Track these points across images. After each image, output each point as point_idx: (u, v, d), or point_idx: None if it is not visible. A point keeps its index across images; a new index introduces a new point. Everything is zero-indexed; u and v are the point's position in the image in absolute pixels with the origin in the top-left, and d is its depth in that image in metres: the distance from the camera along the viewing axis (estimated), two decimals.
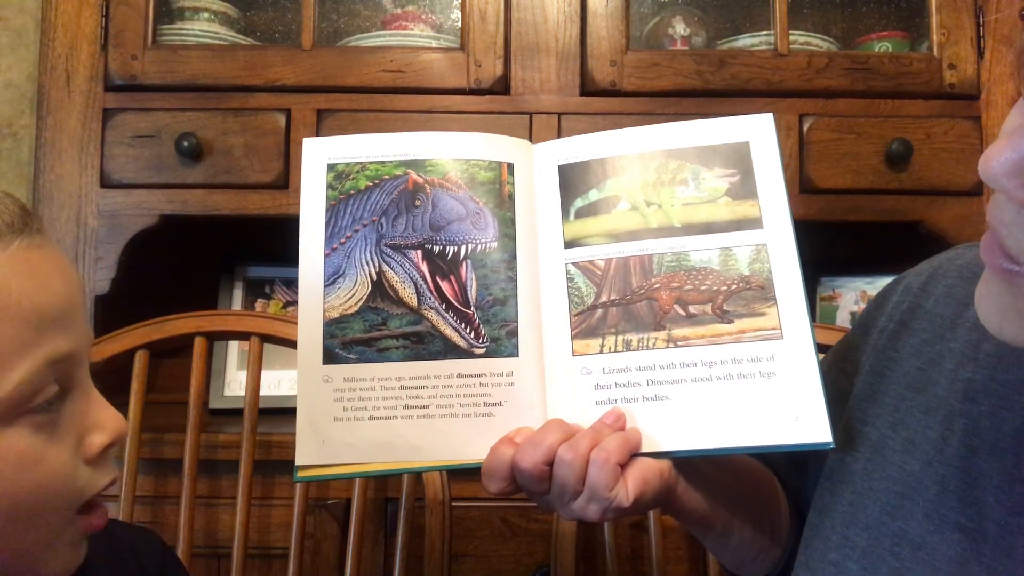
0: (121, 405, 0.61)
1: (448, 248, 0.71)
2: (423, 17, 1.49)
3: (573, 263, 0.72)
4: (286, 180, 1.37)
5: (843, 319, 1.58)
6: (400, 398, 0.69)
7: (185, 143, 1.34)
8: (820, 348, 0.69)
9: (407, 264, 0.71)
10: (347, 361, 0.69)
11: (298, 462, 0.68)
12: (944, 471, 0.60)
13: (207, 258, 1.60)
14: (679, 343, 0.68)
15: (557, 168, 0.75)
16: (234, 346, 1.51)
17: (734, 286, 0.69)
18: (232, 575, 1.07)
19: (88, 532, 0.57)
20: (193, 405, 1.11)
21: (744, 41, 1.47)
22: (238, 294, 1.57)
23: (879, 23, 1.55)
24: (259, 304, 1.57)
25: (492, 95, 1.39)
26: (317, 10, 1.42)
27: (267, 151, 1.37)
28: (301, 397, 0.69)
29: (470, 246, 0.71)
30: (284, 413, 1.29)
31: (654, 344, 0.68)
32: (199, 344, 1.12)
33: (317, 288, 0.71)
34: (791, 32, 1.42)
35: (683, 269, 0.70)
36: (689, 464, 0.68)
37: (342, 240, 0.72)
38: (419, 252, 0.71)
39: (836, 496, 0.67)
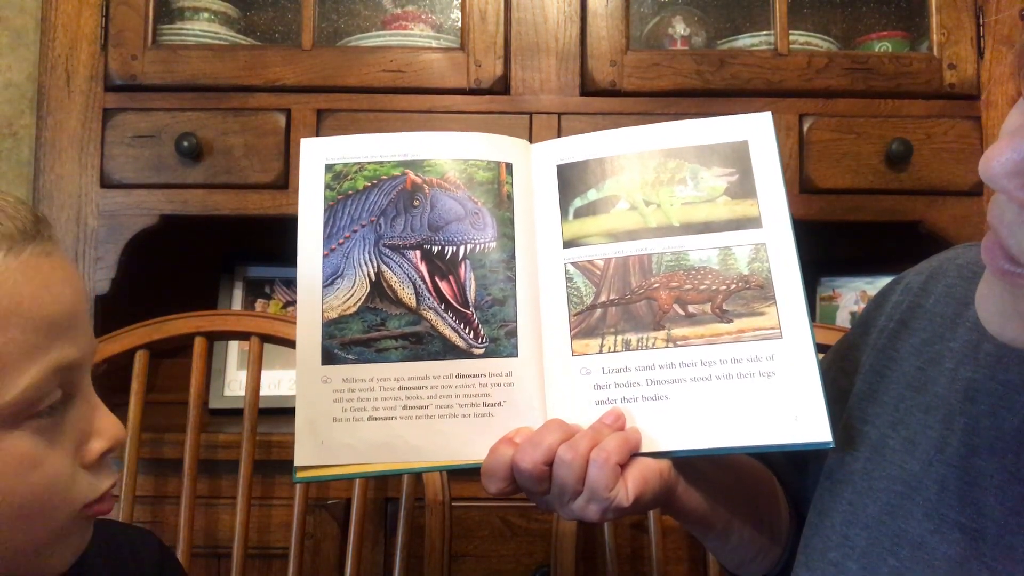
0: (121, 405, 0.61)
1: (447, 248, 0.71)
2: (423, 17, 1.49)
3: (572, 263, 0.72)
4: (286, 180, 1.37)
5: (843, 319, 1.58)
6: (399, 398, 0.69)
7: (185, 143, 1.34)
8: (820, 348, 0.69)
9: (406, 264, 0.71)
10: (346, 362, 0.69)
11: (297, 463, 0.68)
12: (944, 471, 0.60)
13: (207, 258, 1.60)
14: (678, 343, 0.68)
15: (556, 168, 0.75)
16: (234, 346, 1.51)
17: (733, 285, 0.69)
18: (232, 575, 1.07)
19: (93, 517, 0.58)
20: (193, 405, 1.11)
21: (744, 41, 1.47)
22: (238, 294, 1.57)
23: (879, 23, 1.55)
24: (259, 304, 1.57)
25: (492, 95, 1.39)
26: (317, 10, 1.42)
27: (267, 151, 1.37)
28: (300, 398, 0.69)
29: (469, 246, 0.71)
30: (284, 413, 1.29)
31: (653, 344, 0.68)
32: (199, 344, 1.12)
33: (316, 288, 0.71)
34: (791, 32, 1.42)
35: (682, 269, 0.70)
36: (689, 464, 0.68)
37: (340, 240, 0.72)
38: (418, 252, 0.71)
39: (836, 496, 0.67)
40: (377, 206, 0.72)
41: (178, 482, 1.09)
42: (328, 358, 0.70)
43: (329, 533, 1.22)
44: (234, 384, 1.49)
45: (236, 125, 1.37)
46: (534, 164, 0.75)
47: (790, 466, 0.79)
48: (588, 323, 0.70)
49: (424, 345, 0.70)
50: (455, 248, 0.71)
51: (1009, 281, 0.45)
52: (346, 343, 0.70)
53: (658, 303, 0.69)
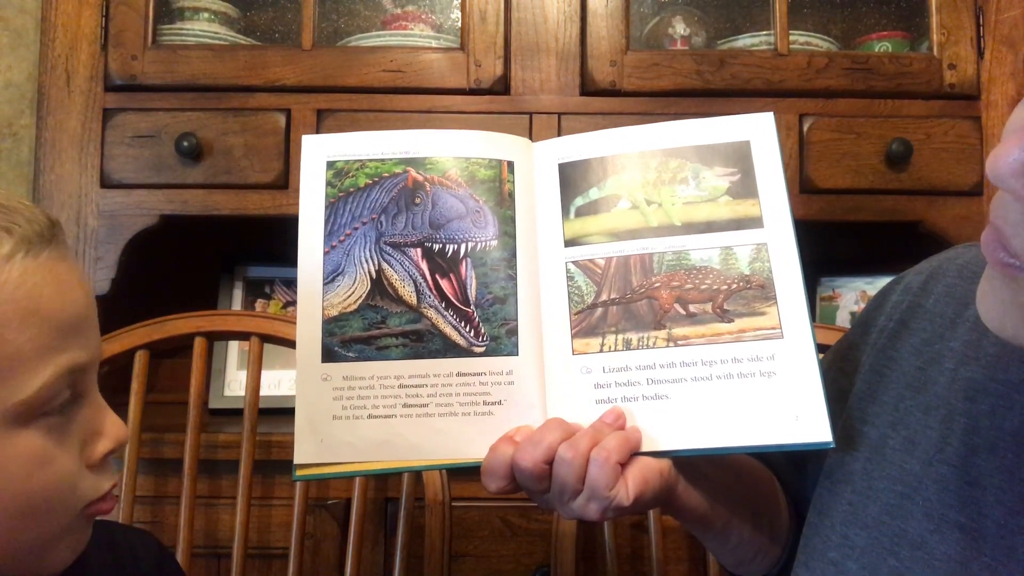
0: (121, 405, 0.62)
1: (448, 246, 0.71)
2: (423, 17, 1.49)
3: (573, 261, 0.72)
4: (286, 180, 1.37)
5: (843, 319, 1.58)
6: (399, 397, 0.69)
7: (185, 143, 1.34)
8: (820, 348, 0.69)
9: (407, 262, 0.71)
10: (346, 359, 0.69)
11: (297, 461, 0.68)
12: (944, 470, 0.60)
13: (207, 258, 1.60)
14: (679, 342, 0.68)
15: (557, 166, 0.75)
16: (234, 346, 1.51)
17: (734, 285, 0.69)
18: (232, 575, 1.07)
19: (95, 515, 0.59)
20: (193, 405, 1.11)
21: (744, 41, 1.47)
22: (238, 294, 1.57)
23: (879, 23, 1.55)
24: (259, 304, 1.57)
25: (492, 95, 1.39)
26: (317, 10, 1.42)
27: (267, 151, 1.37)
28: (300, 396, 0.69)
29: (470, 244, 0.71)
30: (284, 413, 1.28)
31: (654, 343, 0.68)
32: (199, 344, 1.12)
33: (316, 286, 0.71)
34: (791, 32, 1.42)
35: (683, 268, 0.70)
36: (689, 463, 0.68)
37: (341, 238, 0.72)
38: (419, 250, 0.71)
39: (836, 495, 0.67)
40: (378, 203, 0.72)
41: (178, 482, 1.09)
42: (328, 356, 0.70)
43: (329, 533, 1.22)
44: (234, 384, 1.49)
45: (236, 125, 1.37)
46: (536, 162, 0.75)
47: (790, 466, 0.79)
48: (589, 322, 0.70)
49: (424, 343, 0.70)
50: (456, 246, 0.71)
51: (1008, 274, 0.45)
52: (346, 341, 0.70)
53: (659, 302, 0.69)
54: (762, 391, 0.66)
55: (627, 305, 0.70)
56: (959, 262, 0.70)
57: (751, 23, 1.53)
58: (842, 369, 0.74)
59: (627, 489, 0.63)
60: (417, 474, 1.10)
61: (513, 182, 0.73)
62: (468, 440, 0.68)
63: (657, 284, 0.70)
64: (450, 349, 0.69)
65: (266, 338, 1.14)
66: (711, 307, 0.69)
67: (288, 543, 1.08)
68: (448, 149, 0.73)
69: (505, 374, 0.69)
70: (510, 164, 0.74)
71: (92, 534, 0.60)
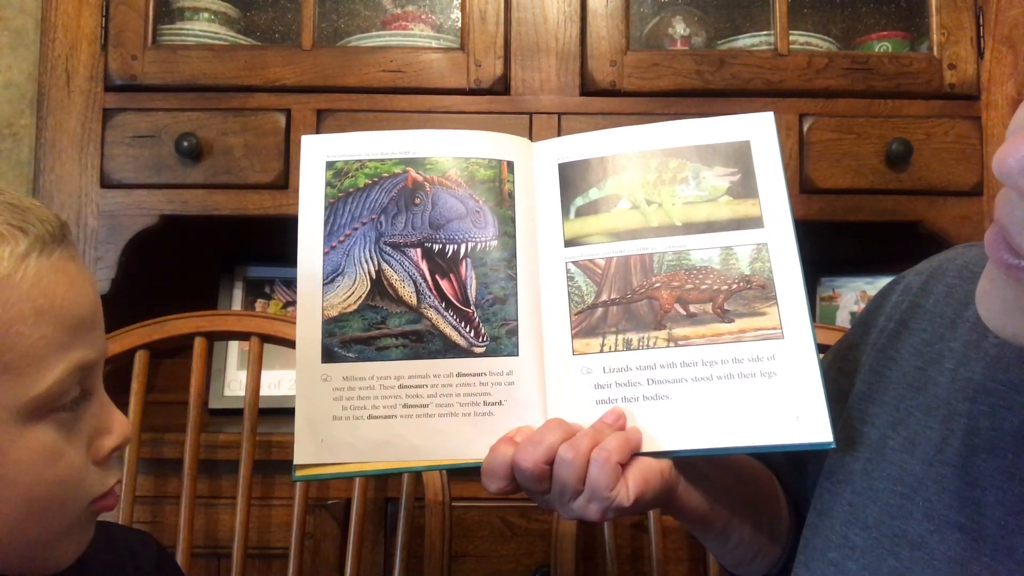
0: (121, 405, 0.62)
1: (448, 246, 0.71)
2: (423, 17, 1.49)
3: (573, 262, 0.72)
4: (286, 180, 1.37)
5: (843, 319, 1.58)
6: (399, 397, 0.69)
7: (185, 143, 1.34)
8: (820, 348, 0.69)
9: (406, 262, 0.71)
10: (346, 360, 0.69)
11: (297, 461, 0.68)
12: (944, 471, 0.60)
13: (207, 258, 1.60)
14: (679, 342, 0.68)
15: (557, 166, 0.74)
16: (234, 346, 1.51)
17: (735, 285, 0.69)
18: (232, 575, 1.07)
19: (99, 512, 0.60)
20: (193, 405, 1.11)
21: (744, 41, 1.47)
22: (238, 294, 1.57)
23: (879, 23, 1.55)
24: (259, 304, 1.57)
25: (492, 95, 1.39)
26: (317, 10, 1.42)
27: (267, 151, 1.37)
28: (300, 396, 0.69)
29: (470, 244, 0.71)
30: (284, 413, 1.28)
31: (654, 343, 0.68)
32: (199, 344, 1.12)
33: (316, 286, 0.71)
34: (791, 32, 1.42)
35: (684, 268, 0.70)
36: (689, 463, 0.68)
37: (341, 238, 0.72)
38: (418, 250, 0.71)
39: (836, 496, 0.67)
40: (378, 204, 0.72)
41: (178, 482, 1.09)
42: (328, 356, 0.70)
43: (329, 533, 1.22)
44: (234, 384, 1.49)
45: (236, 125, 1.37)
46: (536, 162, 0.75)
47: (790, 466, 0.79)
48: (589, 322, 0.70)
49: (424, 343, 0.70)
50: (456, 246, 0.71)
51: (1012, 275, 0.45)
52: (346, 341, 0.70)
53: (659, 302, 0.69)
54: (762, 391, 0.66)
55: (627, 305, 0.70)
56: (959, 262, 0.70)
57: (751, 23, 1.53)
58: (842, 369, 0.74)
59: (627, 490, 0.63)
60: (417, 474, 1.10)
61: (513, 182, 0.73)
62: (468, 440, 0.68)
63: (657, 284, 0.70)
64: (450, 349, 0.69)
65: (266, 338, 1.14)
66: (711, 307, 0.69)
67: (288, 543, 1.08)
68: (448, 149, 0.73)
69: (505, 374, 0.69)
70: (510, 164, 0.74)
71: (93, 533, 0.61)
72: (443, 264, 0.71)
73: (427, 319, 0.70)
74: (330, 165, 0.73)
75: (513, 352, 0.69)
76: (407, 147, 0.73)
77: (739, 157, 0.72)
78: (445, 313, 0.70)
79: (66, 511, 0.57)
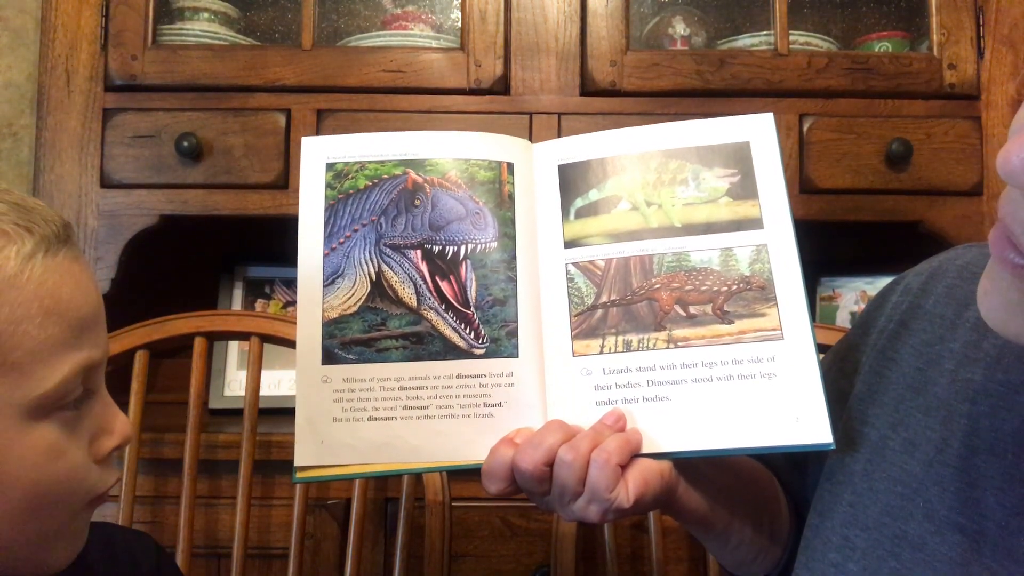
0: (121, 405, 0.62)
1: (448, 248, 0.71)
2: (423, 17, 1.49)
3: (573, 263, 0.72)
4: (286, 180, 1.37)
5: (843, 319, 1.58)
6: (400, 399, 0.69)
7: (185, 143, 1.34)
8: (820, 348, 0.69)
9: (406, 264, 0.71)
10: (346, 361, 0.69)
11: (297, 463, 0.68)
12: (944, 472, 0.60)
13: (207, 258, 1.60)
14: (679, 344, 0.68)
15: (557, 168, 0.74)
16: (234, 346, 1.51)
17: (735, 286, 0.69)
18: (232, 575, 1.07)
19: (94, 507, 0.60)
20: (193, 405, 1.11)
21: (744, 41, 1.47)
22: (238, 294, 1.57)
23: (879, 23, 1.55)
24: (259, 304, 1.57)
25: (492, 95, 1.39)
26: (317, 10, 1.42)
27: (267, 151, 1.37)
28: (300, 397, 0.69)
29: (470, 246, 0.71)
30: (284, 413, 1.28)
31: (654, 345, 0.68)
32: (199, 344, 1.12)
33: (316, 288, 0.71)
34: (791, 32, 1.42)
35: (683, 269, 0.70)
36: (689, 464, 0.68)
37: (341, 240, 0.72)
38: (418, 252, 0.71)
39: (836, 497, 0.67)
40: (378, 205, 0.72)
41: (178, 482, 1.09)
42: (328, 358, 0.70)
43: (329, 533, 1.22)
44: (234, 384, 1.49)
45: (236, 125, 1.37)
46: (535, 164, 0.75)
47: (790, 466, 0.79)
48: (589, 323, 0.70)
49: (425, 345, 0.70)
50: (456, 248, 0.71)
51: (1017, 274, 0.44)
52: (346, 343, 0.70)
53: (659, 304, 0.69)
54: (762, 392, 0.66)
55: (627, 307, 0.70)
56: (959, 263, 0.70)
57: (751, 23, 1.53)
58: (842, 370, 0.74)
59: (627, 491, 0.63)
60: (417, 475, 1.10)
61: (513, 183, 0.73)
62: (468, 442, 0.68)
63: (657, 285, 0.70)
64: (450, 351, 0.69)
65: (266, 338, 1.14)
66: (711, 308, 0.69)
67: (288, 543, 1.08)
68: (448, 150, 0.73)
69: (505, 376, 0.69)
70: (510, 165, 0.74)
71: (90, 536, 0.61)
72: (443, 266, 0.71)
73: (427, 321, 0.70)
74: (330, 167, 0.73)
75: (513, 354, 0.69)
76: (407, 149, 0.73)
77: (739, 158, 0.72)
78: (445, 315, 0.70)
79: (66, 509, 0.57)
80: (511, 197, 0.73)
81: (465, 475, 1.16)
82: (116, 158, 1.37)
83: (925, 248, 0.83)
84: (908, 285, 0.72)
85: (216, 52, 1.39)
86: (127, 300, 1.34)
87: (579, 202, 0.73)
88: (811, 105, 1.39)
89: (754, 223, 0.70)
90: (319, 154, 0.74)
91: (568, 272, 0.72)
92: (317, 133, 1.37)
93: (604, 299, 0.70)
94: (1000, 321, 0.48)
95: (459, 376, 0.69)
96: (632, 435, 0.65)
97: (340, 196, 0.72)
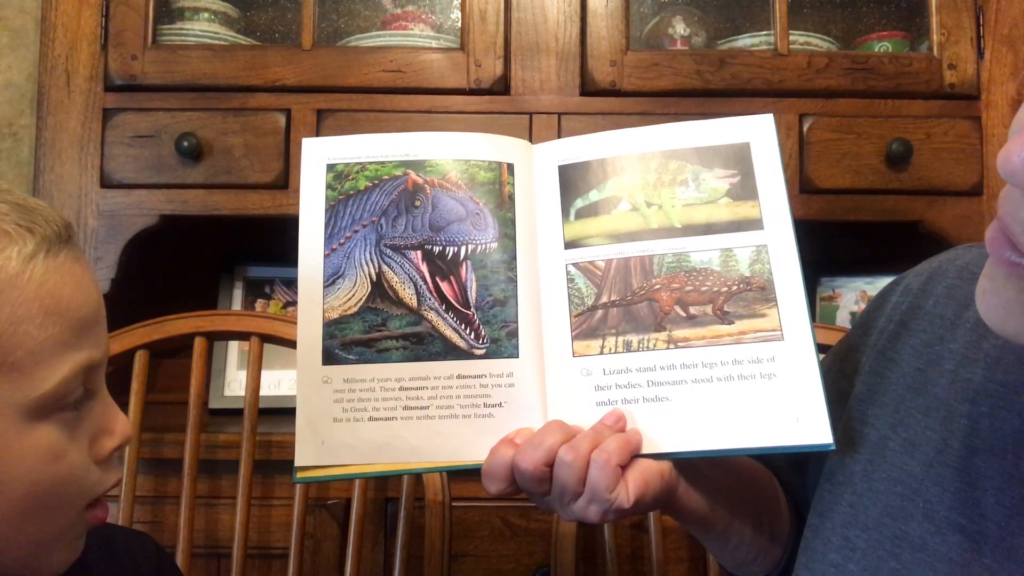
0: (121, 405, 0.62)
1: (448, 249, 0.71)
2: (423, 17, 1.49)
3: (573, 264, 0.72)
4: (286, 180, 1.37)
5: (843, 319, 1.58)
6: (400, 399, 0.69)
7: (185, 143, 1.34)
8: (820, 348, 0.69)
9: (407, 265, 0.71)
10: (347, 362, 0.69)
11: (297, 463, 0.68)
12: (944, 472, 0.60)
13: (207, 258, 1.60)
14: (679, 344, 0.68)
15: (557, 168, 0.74)
16: (234, 346, 1.51)
17: (735, 287, 0.69)
18: (232, 575, 1.07)
19: (92, 524, 0.60)
20: (193, 405, 1.11)
21: (744, 41, 1.47)
22: (238, 294, 1.57)
23: (879, 23, 1.55)
24: (259, 304, 1.57)
25: (492, 95, 1.39)
26: (317, 10, 1.42)
27: (267, 151, 1.37)
28: (300, 398, 0.69)
29: (470, 247, 0.71)
30: (284, 413, 1.29)
31: (654, 345, 0.68)
32: (199, 344, 1.12)
33: (316, 289, 0.71)
34: (791, 32, 1.42)
35: (684, 270, 0.70)
36: (689, 465, 0.68)
37: (341, 240, 0.72)
38: (419, 253, 0.71)
39: (836, 497, 0.67)
40: (378, 206, 0.72)
41: (178, 482, 1.09)
42: (329, 358, 0.70)
43: (329, 533, 1.22)
44: (234, 384, 1.49)
45: (236, 125, 1.37)
46: (536, 165, 0.75)
47: (790, 467, 0.79)
48: (589, 324, 0.70)
49: (425, 345, 0.70)
50: (456, 248, 0.71)
51: (1014, 272, 0.44)
52: (347, 343, 0.70)
53: (659, 304, 0.69)
54: (762, 393, 0.66)
55: (627, 307, 0.70)
56: (959, 263, 0.70)
57: (751, 23, 1.53)
58: (842, 371, 0.74)
59: (627, 491, 0.63)
60: (417, 475, 1.10)
61: (513, 184, 0.73)
62: (468, 442, 0.68)
63: (657, 286, 0.70)
64: (450, 351, 0.69)
65: (266, 338, 1.14)
66: (711, 309, 0.69)
67: (288, 543, 1.08)
68: (448, 151, 0.73)
69: (505, 376, 0.69)
70: (510, 166, 0.74)
71: (90, 536, 0.61)
72: (443, 266, 0.71)
73: (427, 321, 0.70)
74: (330, 167, 0.73)
75: (513, 354, 0.69)
76: (407, 149, 0.73)
77: (739, 159, 0.72)
78: (445, 315, 0.70)
79: (65, 510, 0.57)
80: (511, 198, 0.73)
81: (465, 475, 1.16)
82: (116, 158, 1.37)
83: (925, 248, 0.83)
84: (908, 286, 0.72)
85: (216, 52, 1.39)
86: (127, 300, 1.34)
87: (579, 203, 0.73)
88: (811, 105, 1.40)
89: (754, 224, 0.70)
90: (320, 155, 0.74)
91: (568, 273, 0.72)
92: (317, 133, 1.37)
93: (604, 299, 0.70)
94: (999, 320, 0.48)
95: (459, 376, 0.69)
96: (632, 435, 0.65)
97: (341, 197, 0.72)
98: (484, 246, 0.71)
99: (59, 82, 1.38)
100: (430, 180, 0.72)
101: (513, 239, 0.72)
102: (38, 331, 0.53)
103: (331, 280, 0.71)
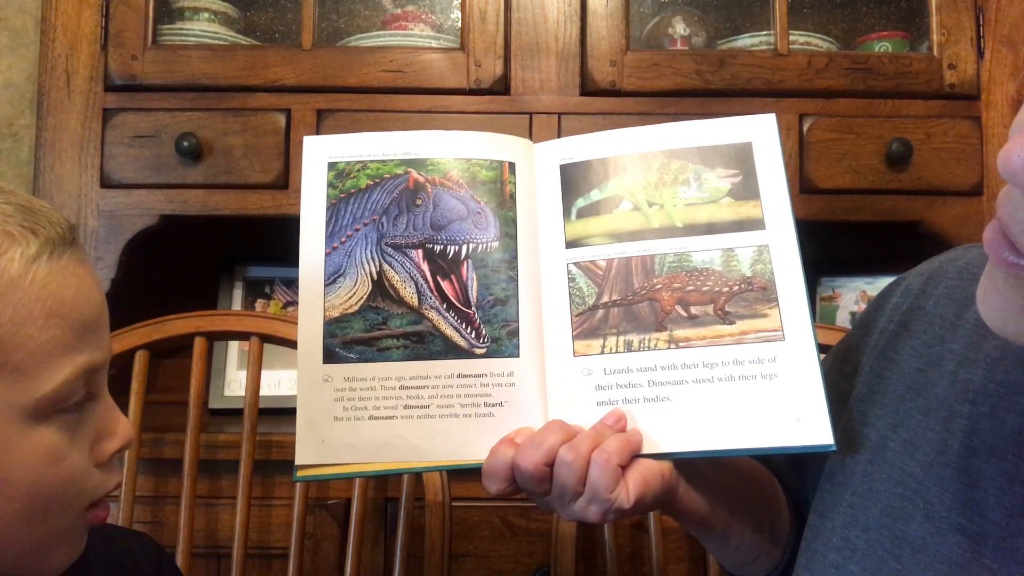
0: (121, 405, 0.62)
1: (449, 247, 0.71)
2: (423, 17, 1.49)
3: (574, 263, 0.72)
4: (286, 180, 1.37)
5: (843, 319, 1.58)
6: (400, 398, 0.69)
7: (185, 143, 1.34)
8: (820, 348, 0.69)
9: (408, 263, 0.71)
10: (347, 360, 0.69)
11: (298, 462, 0.68)
12: (945, 473, 0.60)
13: (207, 258, 1.60)
14: (680, 344, 0.68)
15: (559, 167, 0.74)
16: (234, 346, 1.51)
17: (736, 287, 0.69)
18: (232, 575, 1.07)
19: (92, 524, 0.60)
20: (193, 405, 1.11)
21: (744, 41, 1.47)
22: (238, 294, 1.57)
23: (879, 23, 1.55)
24: (259, 304, 1.57)
25: (492, 95, 1.39)
26: (317, 10, 1.42)
27: (267, 151, 1.37)
28: (301, 397, 0.69)
29: (471, 246, 0.71)
30: (284, 413, 1.29)
31: (655, 345, 0.68)
32: (199, 344, 1.12)
33: (317, 287, 0.71)
34: (791, 32, 1.42)
35: (685, 270, 0.70)
36: (690, 465, 0.68)
37: (343, 239, 0.72)
38: (420, 251, 0.71)
39: (837, 498, 0.67)
40: (380, 205, 0.72)
41: (178, 482, 1.09)
42: (329, 357, 0.70)
43: (329, 533, 1.22)
44: (234, 384, 1.49)
45: (236, 125, 1.37)
46: (537, 164, 0.75)
47: (791, 467, 0.79)
48: (590, 324, 0.70)
49: (425, 344, 0.70)
50: (457, 247, 0.71)
51: (1012, 272, 0.44)
52: (348, 342, 0.70)
53: (660, 304, 0.69)
54: (763, 393, 0.66)
55: (628, 307, 0.70)
56: (959, 263, 0.70)
57: (751, 23, 1.53)
58: (842, 371, 0.74)
59: (628, 491, 0.63)
60: (417, 474, 1.10)
61: (515, 183, 0.73)
62: (469, 441, 0.68)
63: (658, 286, 0.70)
64: (451, 350, 0.69)
65: (266, 338, 1.14)
66: (712, 309, 0.69)
67: (288, 543, 1.08)
68: (449, 150, 0.73)
69: (506, 375, 0.69)
70: (511, 165, 0.74)
71: (90, 537, 0.61)
72: (444, 265, 0.71)
73: (428, 320, 0.70)
74: (332, 166, 0.73)
75: (514, 353, 0.69)
76: (408, 148, 0.73)
77: (741, 159, 0.72)
78: (446, 314, 0.70)
79: (65, 512, 0.57)
80: (513, 197, 0.73)
81: (465, 475, 1.16)
82: (116, 158, 1.37)
83: (925, 248, 0.83)
84: (908, 286, 0.72)
85: (216, 52, 1.39)
86: (127, 300, 1.34)
87: (581, 202, 0.73)
88: (811, 105, 1.40)
89: (756, 224, 0.70)
90: (321, 153, 0.74)
91: (569, 272, 0.72)
92: (317, 133, 1.37)
93: (605, 299, 0.70)
94: (999, 321, 0.48)
95: (460, 376, 0.69)
96: (633, 435, 0.65)
97: (342, 195, 0.72)
98: (485, 245, 0.71)
99: (59, 82, 1.37)
100: (431, 179, 0.72)
101: (514, 238, 0.72)
102: (40, 333, 0.53)
103: (332, 279, 0.71)
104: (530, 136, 1.37)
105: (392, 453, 0.68)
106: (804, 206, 1.38)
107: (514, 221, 0.72)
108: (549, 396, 0.69)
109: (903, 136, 1.37)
